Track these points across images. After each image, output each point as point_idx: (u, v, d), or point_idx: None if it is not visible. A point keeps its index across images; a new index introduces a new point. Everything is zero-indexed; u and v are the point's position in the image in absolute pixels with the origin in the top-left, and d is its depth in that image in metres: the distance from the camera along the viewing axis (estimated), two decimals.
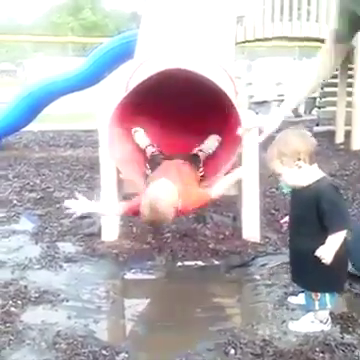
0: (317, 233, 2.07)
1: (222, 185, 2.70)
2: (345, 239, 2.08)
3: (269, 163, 2.13)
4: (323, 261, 2.03)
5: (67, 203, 2.58)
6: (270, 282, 2.62)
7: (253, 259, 2.90)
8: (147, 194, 2.41)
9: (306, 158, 2.07)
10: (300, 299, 2.33)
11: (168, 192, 2.42)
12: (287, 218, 2.33)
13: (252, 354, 1.98)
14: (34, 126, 6.75)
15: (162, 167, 2.82)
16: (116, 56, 5.84)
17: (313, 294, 2.15)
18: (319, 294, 2.14)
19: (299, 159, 2.06)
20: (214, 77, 2.95)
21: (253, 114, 3.35)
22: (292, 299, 2.40)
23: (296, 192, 2.17)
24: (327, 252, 2.04)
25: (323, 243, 2.04)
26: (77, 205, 2.57)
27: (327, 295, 2.15)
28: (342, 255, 2.09)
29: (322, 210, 2.04)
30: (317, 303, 2.15)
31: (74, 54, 14.92)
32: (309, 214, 2.09)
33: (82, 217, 3.63)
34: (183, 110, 3.40)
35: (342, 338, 2.09)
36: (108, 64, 5.99)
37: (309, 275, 2.12)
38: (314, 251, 2.05)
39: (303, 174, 2.09)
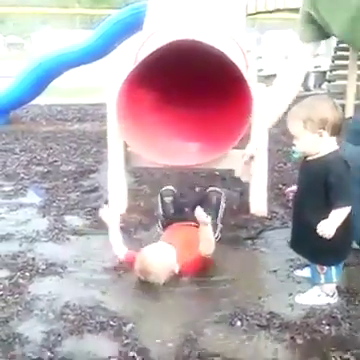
0: (322, 206, 2.06)
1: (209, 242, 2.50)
2: (350, 212, 2.07)
3: (290, 123, 2.11)
4: (325, 236, 2.02)
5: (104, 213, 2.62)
6: (277, 255, 2.62)
7: (260, 232, 2.91)
8: (142, 253, 2.41)
9: (330, 129, 2.05)
10: (306, 272, 2.33)
11: (162, 256, 2.39)
12: (293, 188, 2.31)
13: (258, 326, 1.99)
14: (41, 100, 6.71)
15: (172, 228, 2.76)
16: (125, 28, 5.76)
17: (319, 267, 2.15)
18: (325, 268, 2.14)
19: (323, 128, 2.04)
20: (225, 49, 2.90)
21: (263, 87, 3.31)
22: (298, 272, 2.40)
23: (306, 162, 2.15)
24: (329, 227, 2.02)
25: (327, 217, 2.03)
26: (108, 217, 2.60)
27: (333, 268, 2.14)
28: (346, 228, 2.08)
29: (329, 184, 2.03)
30: (323, 277, 2.15)
31: (82, 27, 14.77)
32: (316, 186, 2.08)
33: (89, 191, 3.67)
34: (191, 83, 3.36)
35: (348, 311, 2.09)
36: (117, 36, 5.92)
37: (313, 248, 2.12)
38: (316, 223, 2.04)
39: (321, 144, 2.07)
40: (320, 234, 2.03)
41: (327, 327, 1.99)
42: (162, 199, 2.98)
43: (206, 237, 2.42)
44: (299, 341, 1.91)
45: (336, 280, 2.17)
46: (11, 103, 6.09)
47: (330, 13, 2.27)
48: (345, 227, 2.07)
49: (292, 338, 1.93)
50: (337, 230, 2.03)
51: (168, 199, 2.96)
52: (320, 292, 2.18)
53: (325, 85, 8.25)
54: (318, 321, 2.02)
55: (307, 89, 8.10)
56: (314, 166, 2.10)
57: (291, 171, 4.01)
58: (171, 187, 3.08)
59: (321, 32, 2.41)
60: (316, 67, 8.33)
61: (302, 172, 2.21)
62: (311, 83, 8.49)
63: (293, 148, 2.17)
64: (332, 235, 2.02)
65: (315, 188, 2.09)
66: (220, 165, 3.26)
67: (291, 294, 2.23)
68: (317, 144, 2.08)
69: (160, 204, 2.98)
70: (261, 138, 3.11)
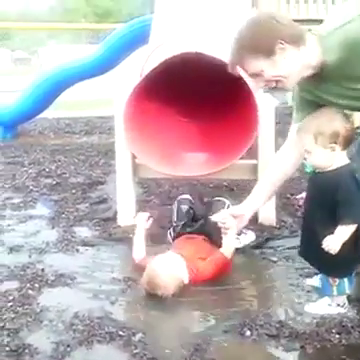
0: (331, 220, 2.04)
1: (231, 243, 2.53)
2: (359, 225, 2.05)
3: (300, 136, 2.07)
4: (330, 251, 2.02)
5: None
6: (286, 264, 2.62)
7: (268, 241, 2.90)
8: (150, 266, 2.39)
9: (342, 142, 2.01)
10: (315, 281, 2.32)
11: (171, 267, 2.37)
12: (302, 194, 2.30)
13: (268, 335, 1.99)
14: (49, 113, 6.78)
15: (183, 238, 2.77)
16: (130, 41, 5.81)
17: (331, 280, 2.14)
18: (337, 280, 2.12)
19: (335, 142, 2.00)
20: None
21: (269, 97, 3.33)
22: (308, 281, 2.39)
23: (317, 174, 2.13)
24: (334, 243, 2.01)
25: (333, 232, 2.02)
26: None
27: (346, 280, 2.13)
28: (357, 240, 2.07)
29: (337, 199, 2.01)
30: (335, 289, 2.13)
31: (88, 41, 14.92)
32: (326, 200, 2.05)
33: (98, 202, 3.69)
34: (198, 94, 3.39)
35: (359, 320, 2.08)
36: (122, 50, 5.97)
37: (324, 260, 2.10)
38: (324, 237, 2.02)
39: (333, 158, 2.03)
40: (326, 249, 2.02)
41: (337, 336, 1.97)
42: (179, 207, 2.98)
43: (229, 240, 2.46)
44: (309, 350, 1.90)
45: (349, 291, 2.16)
46: (19, 117, 6.15)
47: (332, 98, 2.19)
48: (356, 239, 2.06)
49: (302, 347, 1.92)
50: (348, 243, 2.02)
51: (184, 207, 2.96)
52: (331, 302, 2.16)
53: None
54: (328, 330, 2.01)
55: None
56: (324, 180, 2.07)
57: (298, 181, 4.00)
58: (188, 196, 3.08)
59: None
60: None
61: (312, 185, 2.18)
62: None
63: (304, 162, 2.14)
64: (337, 251, 2.00)
65: (324, 202, 2.06)
66: (228, 176, 3.27)
67: (300, 303, 2.23)
68: (329, 158, 2.04)
69: (176, 211, 2.97)
70: (268, 148, 3.13)
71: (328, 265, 2.11)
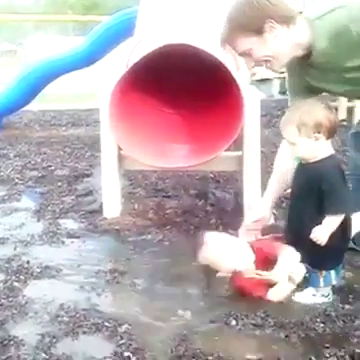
0: (317, 211, 2.05)
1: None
2: (346, 216, 2.07)
3: (283, 128, 2.08)
4: (318, 242, 2.03)
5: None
6: None
7: None
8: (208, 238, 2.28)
9: (325, 132, 2.02)
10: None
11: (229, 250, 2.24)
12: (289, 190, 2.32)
13: (253, 325, 2.00)
14: (35, 106, 6.72)
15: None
16: (116, 34, 5.78)
17: (318, 272, 2.15)
18: (324, 272, 2.14)
19: (319, 132, 2.01)
20: (215, 52, 2.92)
21: (255, 90, 3.34)
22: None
23: (302, 166, 2.14)
24: (322, 234, 2.02)
25: (320, 223, 2.03)
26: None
27: (332, 272, 2.15)
28: (344, 232, 2.09)
29: (322, 190, 2.02)
30: (322, 280, 2.15)
31: (74, 33, 14.81)
32: (311, 191, 2.07)
33: (84, 194, 3.68)
34: (183, 86, 3.38)
35: (343, 308, 2.10)
36: (108, 42, 5.93)
37: (310, 253, 2.11)
38: (311, 229, 2.04)
39: (317, 148, 2.04)
40: (314, 240, 2.03)
41: (322, 325, 1.99)
42: None
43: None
44: (294, 339, 1.92)
45: (335, 282, 2.18)
46: (4, 110, 6.08)
47: (323, 85, 2.23)
48: (343, 231, 2.07)
49: (287, 337, 1.93)
50: (335, 234, 2.03)
51: None
52: (315, 292, 2.18)
53: None
54: (312, 319, 2.03)
55: None
56: (309, 171, 2.08)
57: None
58: None
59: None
60: None
61: (297, 176, 2.18)
62: None
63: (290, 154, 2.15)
64: (325, 242, 2.02)
65: (309, 193, 2.08)
66: (214, 167, 3.28)
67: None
68: (313, 149, 2.04)
69: None
70: (253, 140, 3.14)
71: (315, 257, 2.12)
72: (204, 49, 2.88)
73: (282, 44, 2.02)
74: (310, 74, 2.16)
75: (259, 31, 2.00)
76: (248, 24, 2.01)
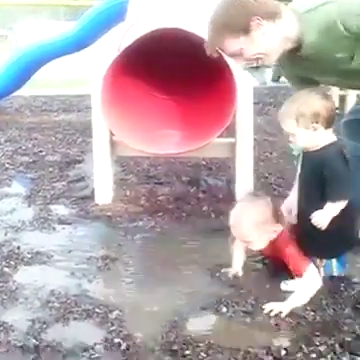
0: (319, 198, 2.05)
1: None
2: (353, 205, 2.07)
3: (282, 120, 2.08)
4: (318, 226, 2.03)
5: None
6: None
7: None
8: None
9: (324, 122, 2.02)
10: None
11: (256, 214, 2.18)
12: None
13: (244, 312, 2.01)
14: (25, 91, 6.64)
15: None
16: (107, 18, 5.70)
17: (318, 260, 2.15)
18: (325, 261, 2.15)
19: (317, 122, 2.01)
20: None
21: (248, 76, 3.31)
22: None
23: (305, 154, 2.14)
24: (322, 218, 2.03)
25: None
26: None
27: (333, 261, 2.16)
28: (347, 221, 2.09)
29: (325, 177, 2.02)
30: (322, 270, 2.15)
31: (66, 18, 14.63)
32: (314, 178, 2.07)
33: (75, 180, 3.66)
34: (176, 71, 3.35)
35: (333, 297, 2.11)
36: (99, 27, 5.85)
37: (311, 240, 2.11)
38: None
39: (317, 137, 2.04)
40: (314, 224, 2.03)
41: (312, 313, 2.00)
42: None
43: None
44: (284, 327, 1.93)
45: (337, 273, 2.18)
46: None
47: (315, 75, 2.24)
48: (345, 219, 2.07)
49: (277, 325, 1.94)
50: (337, 222, 2.04)
51: None
52: None
53: None
54: (303, 307, 2.03)
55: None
56: (311, 158, 2.09)
57: (276, 161, 4.04)
58: None
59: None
60: None
61: (302, 164, 2.19)
62: None
63: (290, 145, 2.15)
64: (325, 226, 2.02)
65: (312, 180, 2.08)
66: (206, 154, 3.27)
67: (276, 281, 2.24)
68: (313, 138, 2.05)
69: None
70: (246, 127, 3.13)
71: (316, 245, 2.11)
72: (197, 34, 2.85)
73: (271, 40, 1.99)
74: (301, 65, 2.15)
75: (246, 30, 1.96)
76: (234, 24, 1.97)
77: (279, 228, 2.17)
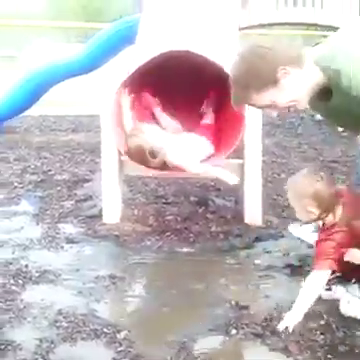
0: None
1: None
2: None
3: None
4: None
5: None
6: (272, 264, 2.61)
7: (254, 241, 2.90)
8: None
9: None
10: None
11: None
12: None
13: (253, 334, 1.98)
14: (35, 111, 6.70)
15: None
16: (118, 41, 5.77)
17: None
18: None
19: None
20: (218, 60, 2.92)
21: None
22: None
23: None
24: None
25: None
26: None
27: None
28: None
29: None
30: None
31: (77, 40, 14.82)
32: None
33: (83, 199, 3.66)
34: (185, 93, 3.39)
35: (343, 320, 2.07)
36: (109, 49, 5.92)
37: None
38: None
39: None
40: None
41: (322, 336, 1.97)
42: None
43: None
44: (294, 350, 1.90)
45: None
46: (4, 114, 6.06)
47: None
48: None
49: (287, 347, 1.91)
50: None
51: None
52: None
53: None
54: (313, 330, 2.01)
55: None
56: None
57: (284, 182, 4.02)
58: None
59: None
60: None
61: None
62: None
63: None
64: None
65: None
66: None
67: (287, 302, 2.22)
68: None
69: None
70: (254, 149, 3.14)
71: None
72: (206, 56, 2.88)
73: (301, 84, 1.95)
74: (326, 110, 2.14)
75: (274, 82, 1.90)
76: (261, 80, 1.90)
77: (316, 211, 2.07)
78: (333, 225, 2.09)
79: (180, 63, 3.07)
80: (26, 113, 6.33)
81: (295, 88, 1.94)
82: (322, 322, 2.05)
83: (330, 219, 2.10)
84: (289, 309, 2.14)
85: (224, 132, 3.20)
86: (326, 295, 2.17)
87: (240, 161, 3.21)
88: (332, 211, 2.08)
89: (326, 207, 2.05)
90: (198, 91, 3.37)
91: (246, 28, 6.08)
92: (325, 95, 1.99)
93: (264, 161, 3.25)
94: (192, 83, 3.37)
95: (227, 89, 2.95)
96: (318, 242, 2.11)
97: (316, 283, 2.05)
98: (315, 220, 2.13)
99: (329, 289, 2.19)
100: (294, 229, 2.13)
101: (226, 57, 3.24)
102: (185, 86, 3.39)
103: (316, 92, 1.99)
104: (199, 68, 3.10)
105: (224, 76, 2.89)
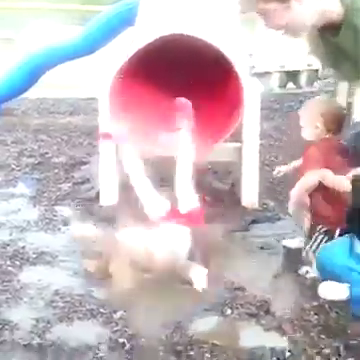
0: None
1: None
2: None
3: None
4: None
5: None
6: (267, 247, 2.63)
7: (251, 224, 2.91)
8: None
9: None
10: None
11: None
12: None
13: (248, 314, 2.01)
14: (33, 93, 6.66)
15: None
16: (118, 23, 5.71)
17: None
18: None
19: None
20: (216, 42, 2.91)
21: (256, 81, 3.33)
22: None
23: None
24: None
25: None
26: None
27: None
28: None
29: None
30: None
31: (75, 22, 14.68)
32: None
33: (80, 182, 3.66)
34: (183, 76, 3.37)
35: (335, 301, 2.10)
36: (108, 32, 5.87)
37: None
38: None
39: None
40: None
41: (316, 316, 2.00)
42: None
43: None
44: (288, 329, 1.92)
45: None
46: (1, 96, 6.03)
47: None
48: None
49: (281, 327, 1.94)
50: None
51: None
52: None
53: (317, 83, 8.28)
54: (307, 310, 2.03)
55: (299, 87, 8.14)
56: None
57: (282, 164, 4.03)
58: None
59: None
60: (308, 65, 8.36)
61: None
62: (303, 81, 8.51)
63: None
64: None
65: None
66: (212, 158, 3.27)
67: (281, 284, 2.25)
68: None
69: None
70: (252, 131, 3.14)
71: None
72: (206, 39, 2.86)
73: (307, 11, 1.88)
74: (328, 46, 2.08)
75: None
76: None
77: (322, 127, 2.43)
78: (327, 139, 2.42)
79: (180, 47, 3.05)
80: (24, 95, 6.29)
81: (300, 11, 1.89)
82: (315, 303, 2.07)
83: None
84: (284, 291, 2.18)
85: (222, 115, 3.19)
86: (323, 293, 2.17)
87: (238, 144, 3.21)
88: (333, 131, 2.43)
89: (330, 125, 2.40)
90: (198, 74, 3.35)
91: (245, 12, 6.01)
92: (330, 31, 1.94)
93: (262, 144, 3.25)
94: (193, 66, 3.34)
95: (226, 72, 2.98)
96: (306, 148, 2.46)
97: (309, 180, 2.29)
98: (318, 136, 2.43)
99: None
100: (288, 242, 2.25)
101: (226, 40, 3.23)
102: (185, 69, 3.36)
103: (322, 24, 1.94)
104: (199, 51, 3.07)
105: (223, 59, 2.88)
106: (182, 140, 2.84)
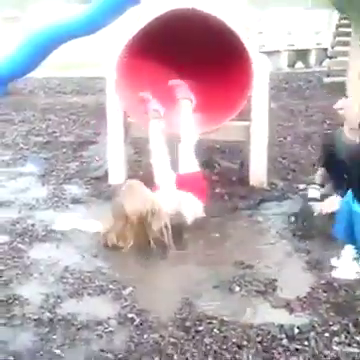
0: None
1: None
2: None
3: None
4: None
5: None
6: (275, 226, 2.63)
7: (259, 203, 2.91)
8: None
9: None
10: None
11: None
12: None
13: (256, 291, 2.01)
14: (40, 73, 6.66)
15: None
16: (123, 0, 5.68)
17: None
18: None
19: None
20: (225, 19, 2.87)
21: (265, 60, 3.29)
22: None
23: None
24: None
25: None
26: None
27: None
28: None
29: None
30: None
31: (81, 0, 14.54)
32: None
33: (89, 161, 3.67)
34: (192, 54, 3.34)
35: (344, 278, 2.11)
36: (113, 9, 5.83)
37: None
38: None
39: None
40: None
41: (325, 294, 2.00)
42: None
43: None
44: (296, 307, 1.93)
45: None
46: (8, 74, 6.01)
47: None
48: None
49: (289, 304, 1.94)
50: None
51: None
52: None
53: (326, 62, 8.20)
54: (316, 288, 2.04)
55: (308, 66, 8.07)
56: None
57: (290, 145, 4.02)
58: None
59: None
60: (317, 44, 8.27)
61: None
62: (312, 60, 8.42)
63: None
64: None
65: None
66: (221, 137, 3.26)
67: (289, 262, 2.25)
68: None
69: None
70: (261, 111, 3.12)
71: None
72: (214, 15, 2.83)
73: None
74: None
75: None
76: None
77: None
78: None
79: (189, 25, 3.01)
80: (30, 75, 6.29)
81: None
82: (323, 281, 2.08)
83: None
84: (292, 269, 2.18)
85: (231, 93, 3.16)
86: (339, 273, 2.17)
87: (247, 123, 3.20)
88: None
89: None
90: (207, 52, 3.31)
91: None
92: None
93: (270, 124, 3.23)
94: (202, 44, 3.31)
95: (235, 50, 2.95)
96: None
97: None
98: None
99: None
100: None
101: (233, 16, 3.19)
102: (194, 48, 3.33)
103: None
104: (208, 29, 3.04)
105: (233, 36, 2.85)
106: (183, 116, 2.91)
